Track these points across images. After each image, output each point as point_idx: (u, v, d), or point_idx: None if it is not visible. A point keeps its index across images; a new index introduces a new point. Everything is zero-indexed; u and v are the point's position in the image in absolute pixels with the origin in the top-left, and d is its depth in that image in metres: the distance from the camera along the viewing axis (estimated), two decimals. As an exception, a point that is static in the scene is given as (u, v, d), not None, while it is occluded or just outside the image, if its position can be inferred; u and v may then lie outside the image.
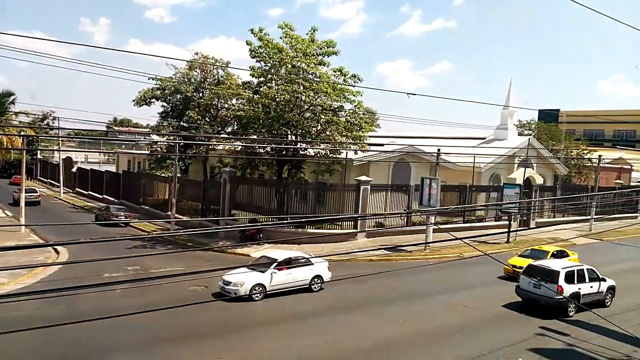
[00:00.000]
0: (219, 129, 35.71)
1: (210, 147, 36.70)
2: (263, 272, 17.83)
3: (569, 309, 17.05)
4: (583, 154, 50.70)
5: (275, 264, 18.13)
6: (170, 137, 36.13)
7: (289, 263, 18.62)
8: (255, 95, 28.70)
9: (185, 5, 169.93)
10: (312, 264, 18.91)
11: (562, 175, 47.02)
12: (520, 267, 20.12)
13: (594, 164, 43.92)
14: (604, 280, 18.28)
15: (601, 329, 15.19)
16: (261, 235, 27.00)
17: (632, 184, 51.10)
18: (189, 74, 35.63)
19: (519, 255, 22.76)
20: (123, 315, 12.31)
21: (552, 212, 40.01)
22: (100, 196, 45.31)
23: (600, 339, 14.60)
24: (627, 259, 28.13)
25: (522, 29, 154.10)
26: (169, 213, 31.30)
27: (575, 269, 17.74)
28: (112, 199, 42.59)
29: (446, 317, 16.95)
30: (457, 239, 12.79)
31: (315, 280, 19.04)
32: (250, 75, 28.82)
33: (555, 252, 22.81)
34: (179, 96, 35.81)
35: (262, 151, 30.38)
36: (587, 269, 18.07)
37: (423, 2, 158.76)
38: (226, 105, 34.60)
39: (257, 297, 17.45)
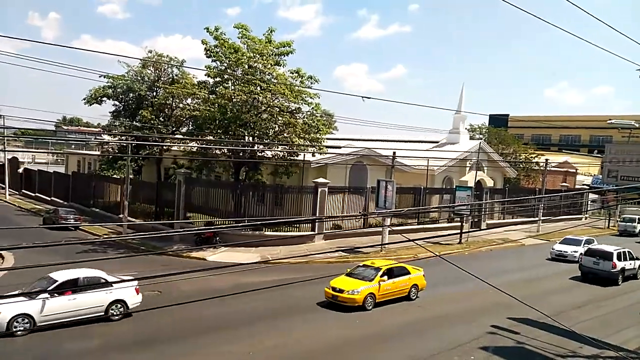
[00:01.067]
0: (174, 129, 34.94)
1: (164, 147, 35.86)
2: (33, 298, 13.79)
3: (619, 279, 23.61)
4: (531, 157, 52.69)
5: (51, 288, 14.10)
6: (123, 137, 35.07)
7: (75, 286, 14.56)
8: (211, 95, 28.27)
9: (140, 1, 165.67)
10: (111, 285, 14.92)
11: (512, 178, 48.74)
12: (341, 290, 17.18)
13: (542, 168, 45.75)
14: (638, 259, 24.78)
15: (549, 326, 15.78)
16: (217, 238, 26.61)
17: (577, 186, 53.59)
18: (142, 72, 34.67)
19: (346, 275, 18.46)
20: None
21: (502, 213, 41.40)
22: (49, 198, 43.45)
23: (549, 336, 15.16)
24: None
25: (475, 36, 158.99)
26: (121, 216, 30.35)
27: (621, 251, 24.13)
28: (61, 201, 40.92)
29: (400, 317, 17.18)
30: (409, 240, 13.08)
31: (115, 306, 15.24)
32: (205, 75, 28.39)
33: (387, 270, 18.26)
34: (131, 95, 34.79)
35: (219, 152, 29.97)
36: (627, 251, 24.49)
37: (380, 6, 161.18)
38: (181, 105, 33.86)
39: (20, 332, 13.40)
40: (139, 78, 34.49)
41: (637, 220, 41.81)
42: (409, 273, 18.98)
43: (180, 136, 33.54)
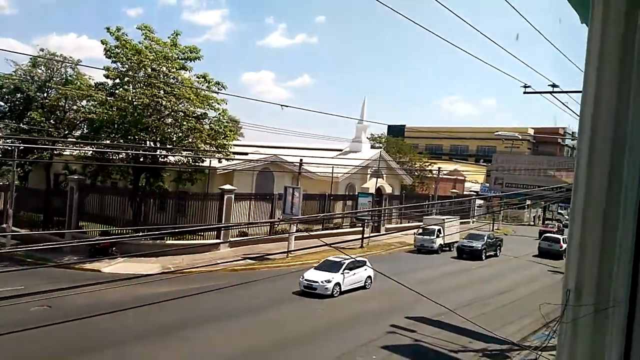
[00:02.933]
0: (66, 132, 32.63)
1: (55, 152, 33.37)
2: None
3: (563, 256, 28.65)
4: (425, 166, 56.16)
5: None
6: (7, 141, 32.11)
7: None
8: (109, 98, 26.93)
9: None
10: None
11: (408, 185, 51.60)
12: None
13: (434, 175, 48.96)
14: None
15: (442, 323, 17.02)
16: (114, 248, 25.26)
17: (465, 192, 57.97)
18: (32, 71, 32.04)
19: None
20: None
21: (400, 218, 43.61)
22: None
23: (443, 333, 16.33)
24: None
25: (376, 50, 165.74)
26: (4, 226, 27.75)
27: (565, 237, 30.91)
28: None
29: (304, 322, 17.53)
30: (314, 247, 13.53)
31: None
32: (104, 76, 27.00)
33: None
34: (19, 95, 32.04)
35: (116, 158, 28.55)
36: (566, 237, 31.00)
37: (287, 16, 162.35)
38: (75, 107, 31.74)
39: None
40: (29, 78, 31.84)
41: (436, 233, 33.46)
42: None
43: (74, 140, 31.45)
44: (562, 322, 2.17)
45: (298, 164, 30.50)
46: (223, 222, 27.96)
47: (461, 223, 46.13)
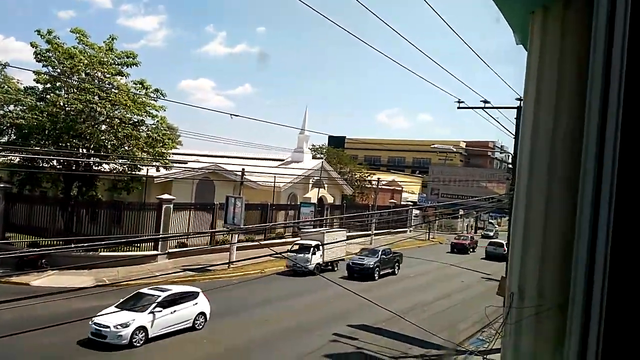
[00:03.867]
0: (-9, 138, 30.64)
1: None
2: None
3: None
4: (365, 176, 57.30)
5: None
6: None
7: None
8: (40, 103, 25.64)
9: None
10: None
11: (348, 195, 52.44)
12: None
13: (374, 186, 50.05)
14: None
15: (382, 331, 17.43)
16: (44, 260, 23.93)
17: (402, 203, 59.62)
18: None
19: None
20: None
21: (341, 227, 44.13)
22: None
23: (383, 340, 16.74)
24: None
25: (317, 62, 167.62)
26: None
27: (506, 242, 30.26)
28: None
29: (247, 333, 17.39)
30: (257, 257, 13.57)
31: None
32: (34, 80, 25.71)
33: None
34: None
35: (47, 165, 27.17)
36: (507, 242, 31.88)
37: (228, 25, 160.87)
38: (1, 112, 29.89)
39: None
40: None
41: (311, 250, 27.33)
42: None
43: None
44: (506, 323, 2.33)
45: (239, 174, 30.23)
46: (161, 233, 27.20)
47: (397, 233, 47.48)
